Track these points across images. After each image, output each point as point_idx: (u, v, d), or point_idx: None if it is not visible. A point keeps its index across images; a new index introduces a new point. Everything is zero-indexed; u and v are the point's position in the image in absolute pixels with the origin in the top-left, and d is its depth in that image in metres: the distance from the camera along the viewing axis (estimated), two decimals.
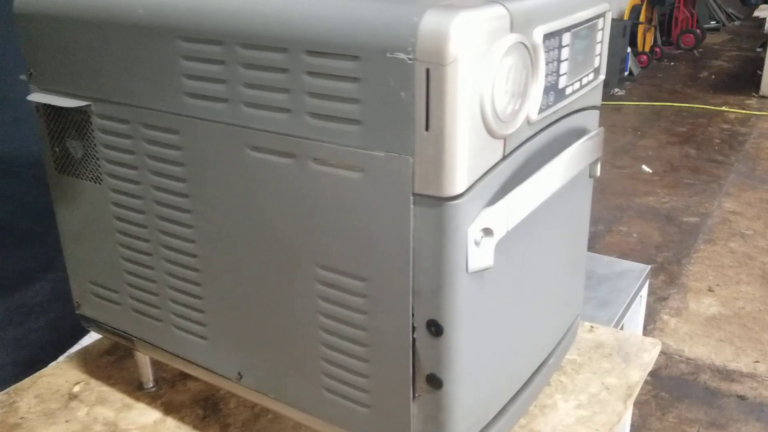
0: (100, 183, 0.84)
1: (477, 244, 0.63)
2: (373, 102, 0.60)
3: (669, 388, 2.04)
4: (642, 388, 1.03)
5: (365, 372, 0.71)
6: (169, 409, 0.97)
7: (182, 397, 1.00)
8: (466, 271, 0.63)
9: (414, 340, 0.67)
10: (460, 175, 0.60)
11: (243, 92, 0.67)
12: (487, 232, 0.63)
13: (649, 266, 1.56)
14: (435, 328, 0.65)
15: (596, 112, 0.84)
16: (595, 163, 0.84)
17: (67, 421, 0.95)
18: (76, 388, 1.02)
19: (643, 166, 3.66)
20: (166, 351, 0.89)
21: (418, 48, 0.56)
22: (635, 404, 1.35)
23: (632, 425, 1.52)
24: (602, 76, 0.81)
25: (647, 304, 1.64)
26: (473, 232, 0.62)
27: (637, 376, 1.02)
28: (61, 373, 1.05)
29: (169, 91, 0.73)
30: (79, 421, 0.95)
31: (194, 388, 1.01)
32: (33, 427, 0.94)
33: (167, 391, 1.01)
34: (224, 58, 0.67)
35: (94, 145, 0.82)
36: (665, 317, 2.38)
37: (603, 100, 0.86)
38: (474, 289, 0.65)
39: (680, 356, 2.17)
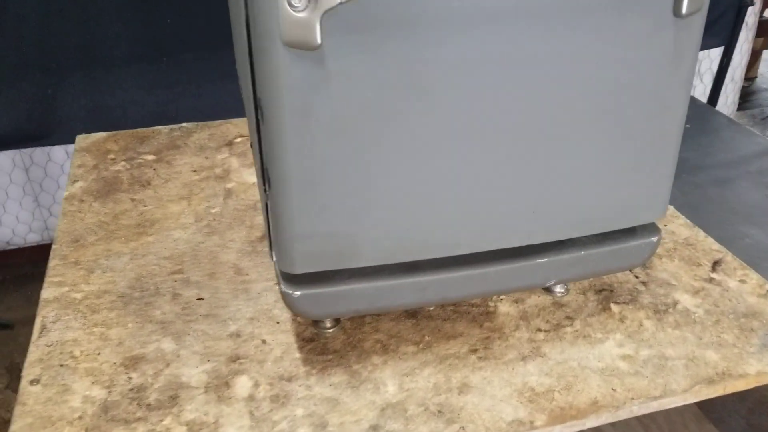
0: None
1: (293, 6, 0.48)
2: None
3: None
4: None
5: None
6: None
7: None
8: (281, 41, 0.50)
9: (258, 121, 0.57)
10: None
11: None
12: None
13: None
14: (261, 112, 0.54)
15: None
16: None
17: (207, 158, 1.09)
18: (238, 140, 1.14)
19: None
20: None
21: None
22: None
23: None
24: None
25: None
26: None
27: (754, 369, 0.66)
28: (243, 124, 1.19)
29: None
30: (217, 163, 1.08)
31: None
32: (185, 154, 1.11)
33: None
34: None
35: None
36: None
37: None
38: (298, 71, 0.51)
39: None
